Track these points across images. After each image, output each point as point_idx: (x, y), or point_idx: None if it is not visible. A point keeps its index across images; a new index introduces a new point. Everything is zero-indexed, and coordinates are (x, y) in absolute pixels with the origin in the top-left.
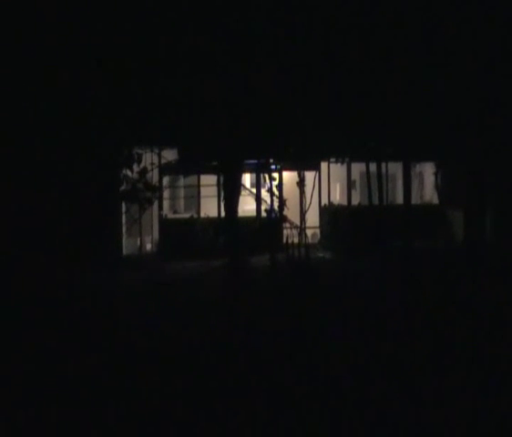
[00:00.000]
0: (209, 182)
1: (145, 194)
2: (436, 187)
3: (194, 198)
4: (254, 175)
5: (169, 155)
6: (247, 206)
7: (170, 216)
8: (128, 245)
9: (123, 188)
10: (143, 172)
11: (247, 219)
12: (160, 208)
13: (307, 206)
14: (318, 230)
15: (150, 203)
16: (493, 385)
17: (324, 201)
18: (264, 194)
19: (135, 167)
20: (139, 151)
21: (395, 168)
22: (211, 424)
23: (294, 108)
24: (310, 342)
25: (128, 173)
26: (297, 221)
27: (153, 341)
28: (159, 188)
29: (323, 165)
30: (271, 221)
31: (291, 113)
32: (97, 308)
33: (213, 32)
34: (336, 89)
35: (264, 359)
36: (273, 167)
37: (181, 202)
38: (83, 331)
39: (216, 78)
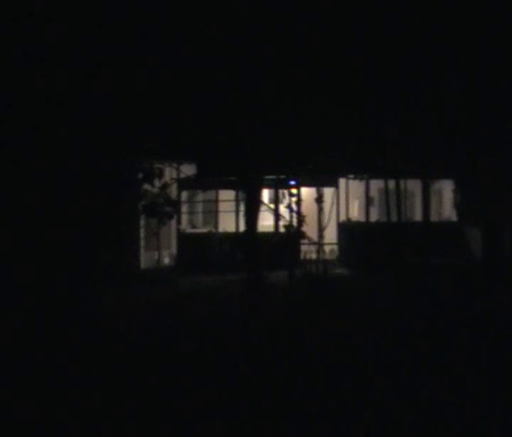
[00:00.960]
0: (227, 197)
1: (165, 208)
2: (455, 204)
3: (212, 212)
4: (273, 190)
5: (188, 170)
6: (265, 221)
7: (189, 230)
8: (146, 259)
9: (143, 202)
10: (164, 187)
11: (265, 235)
12: (179, 222)
13: (325, 222)
14: (336, 247)
15: (170, 217)
16: None
17: (342, 218)
18: (282, 210)
19: (156, 182)
20: (160, 166)
21: (414, 185)
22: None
23: (313, 125)
24: (328, 356)
25: (149, 187)
26: (315, 237)
27: (169, 355)
28: (178, 203)
29: (342, 181)
30: (290, 237)
31: (309, 129)
32: (115, 320)
33: (230, 46)
34: (355, 106)
35: (281, 371)
36: (292, 183)
37: (199, 217)
38: (99, 343)
39: (236, 93)
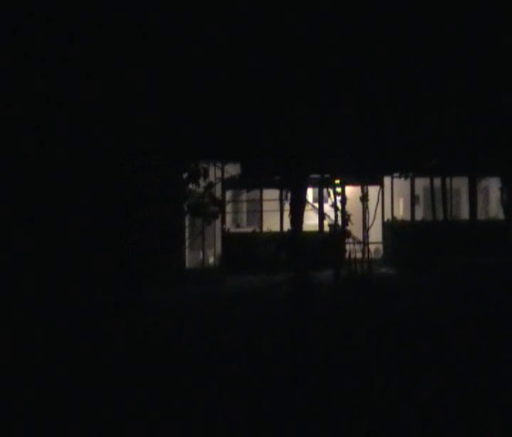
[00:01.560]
0: (271, 197)
1: (210, 208)
2: (502, 202)
3: (256, 212)
4: (317, 189)
5: (232, 169)
6: (309, 220)
7: (233, 230)
8: (191, 258)
9: (188, 202)
10: (209, 186)
11: (309, 234)
12: (223, 222)
13: (370, 221)
14: (381, 246)
15: (215, 217)
16: None
17: (387, 216)
18: (327, 209)
19: (201, 182)
20: (205, 166)
21: (460, 183)
22: None
23: (358, 123)
24: (376, 358)
25: (194, 187)
26: (360, 236)
27: (215, 355)
28: (222, 203)
29: (387, 180)
30: (335, 236)
31: (354, 128)
32: (162, 319)
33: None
34: (400, 105)
35: (330, 373)
36: (337, 181)
37: (244, 216)
38: (145, 343)
39: (280, 95)
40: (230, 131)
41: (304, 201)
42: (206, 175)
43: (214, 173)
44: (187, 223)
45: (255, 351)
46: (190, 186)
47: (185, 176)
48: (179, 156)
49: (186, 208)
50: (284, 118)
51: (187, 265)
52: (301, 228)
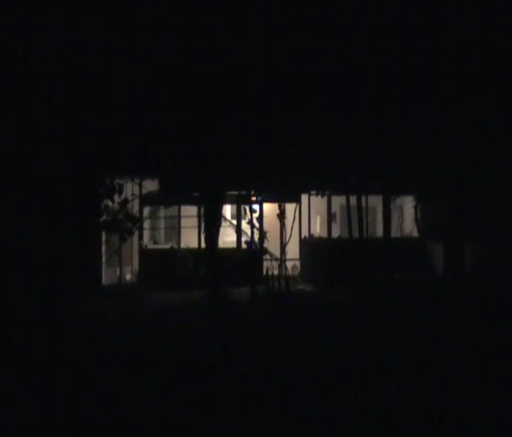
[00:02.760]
0: (189, 213)
1: (126, 224)
2: (416, 220)
3: (175, 228)
4: (235, 206)
5: (150, 185)
6: (227, 237)
7: (151, 246)
8: (107, 275)
9: (104, 218)
10: (124, 202)
11: (227, 251)
12: (141, 238)
13: (287, 238)
14: (298, 262)
15: (131, 234)
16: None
17: (305, 233)
18: (245, 226)
19: (116, 198)
20: (120, 181)
21: (376, 201)
22: None
23: (276, 141)
24: (292, 373)
25: (109, 203)
26: (277, 253)
27: (134, 367)
28: (140, 219)
29: (304, 197)
30: (252, 253)
31: (272, 145)
32: (81, 336)
33: (197, 64)
34: (318, 123)
35: (246, 386)
36: (254, 198)
37: (162, 233)
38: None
39: (198, 110)
40: (148, 147)
41: (220, 217)
42: (121, 191)
43: (132, 189)
44: (103, 239)
45: (174, 364)
46: (106, 202)
47: (100, 191)
48: (95, 171)
49: (101, 224)
50: (202, 135)
51: (103, 281)
52: (216, 244)
